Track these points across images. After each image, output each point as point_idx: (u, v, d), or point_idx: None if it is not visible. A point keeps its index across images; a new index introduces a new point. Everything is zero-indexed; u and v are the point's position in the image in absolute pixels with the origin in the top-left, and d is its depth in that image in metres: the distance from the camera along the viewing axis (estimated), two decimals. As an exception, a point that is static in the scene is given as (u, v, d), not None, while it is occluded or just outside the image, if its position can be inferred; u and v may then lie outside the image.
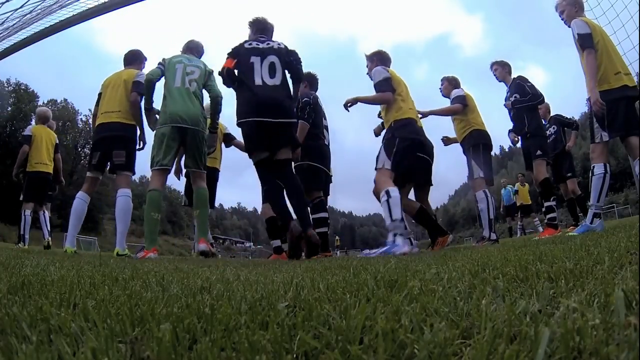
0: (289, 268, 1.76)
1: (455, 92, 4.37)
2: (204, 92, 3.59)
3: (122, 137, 3.60)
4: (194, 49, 3.68)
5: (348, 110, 3.70)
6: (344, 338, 0.44)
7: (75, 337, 0.48)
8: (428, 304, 0.59)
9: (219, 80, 3.40)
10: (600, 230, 2.88)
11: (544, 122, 5.61)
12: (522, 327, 0.43)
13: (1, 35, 5.61)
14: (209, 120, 3.67)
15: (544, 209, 4.29)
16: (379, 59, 3.85)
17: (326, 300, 0.67)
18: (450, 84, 4.53)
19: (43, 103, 38.33)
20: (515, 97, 4.23)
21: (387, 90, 3.49)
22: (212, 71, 3.57)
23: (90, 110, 39.29)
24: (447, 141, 4.52)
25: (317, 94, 4.28)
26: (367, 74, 3.87)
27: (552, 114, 5.92)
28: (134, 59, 3.94)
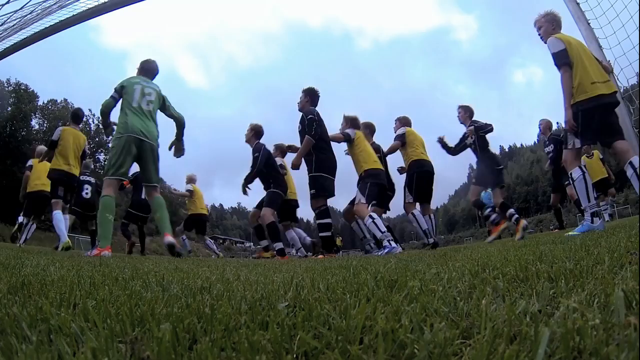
0: (289, 268, 1.76)
1: (398, 131, 5.18)
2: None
3: (74, 186, 5.20)
4: (149, 71, 3.91)
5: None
6: (344, 338, 0.44)
7: (75, 337, 0.48)
8: (428, 304, 0.59)
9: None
10: (601, 229, 2.89)
11: (545, 139, 6.51)
12: (522, 327, 0.43)
13: (1, 35, 5.61)
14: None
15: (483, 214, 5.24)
16: (351, 124, 4.93)
17: (326, 300, 0.67)
18: (400, 123, 5.34)
19: (43, 103, 38.29)
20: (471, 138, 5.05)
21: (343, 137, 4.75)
22: (166, 97, 3.83)
23: (90, 110, 39.19)
24: (401, 170, 5.30)
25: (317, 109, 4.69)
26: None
27: (552, 130, 6.46)
28: (79, 119, 5.44)
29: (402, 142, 5.08)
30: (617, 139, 2.94)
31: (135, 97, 3.56)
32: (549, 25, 3.33)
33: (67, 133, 4.99)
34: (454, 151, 5.27)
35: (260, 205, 5.21)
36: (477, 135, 5.00)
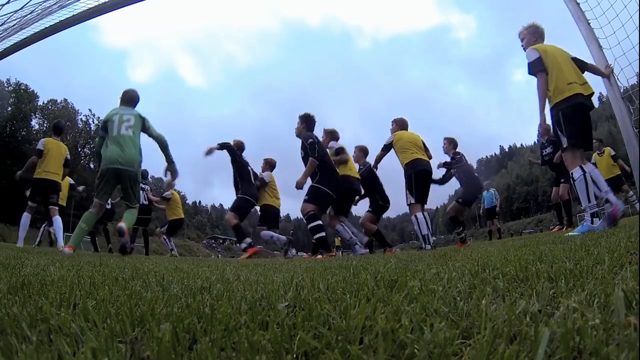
0: (289, 268, 1.76)
1: (386, 139, 5.23)
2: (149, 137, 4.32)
3: (57, 189, 5.66)
4: (129, 100, 4.25)
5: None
6: (344, 338, 0.44)
7: (75, 337, 0.48)
8: (428, 304, 0.59)
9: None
10: (602, 229, 2.89)
11: (543, 142, 6.76)
12: (522, 327, 0.43)
13: (1, 35, 5.61)
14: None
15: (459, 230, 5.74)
16: (331, 137, 5.36)
17: (326, 300, 0.67)
18: (397, 125, 5.39)
19: (43, 103, 38.33)
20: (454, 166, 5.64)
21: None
22: (146, 118, 4.13)
23: (90, 110, 39.17)
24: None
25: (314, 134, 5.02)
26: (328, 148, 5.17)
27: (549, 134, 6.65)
28: (60, 131, 5.94)
29: (386, 151, 5.25)
30: (586, 148, 3.13)
31: (114, 126, 3.94)
32: (530, 37, 3.47)
33: (50, 144, 5.62)
34: (441, 183, 5.70)
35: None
36: (457, 168, 5.53)
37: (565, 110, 3.09)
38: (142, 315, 0.57)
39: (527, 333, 0.40)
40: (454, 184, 5.95)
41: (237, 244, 6.64)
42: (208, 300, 0.73)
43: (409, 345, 0.41)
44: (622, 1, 3.11)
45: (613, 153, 7.16)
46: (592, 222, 3.05)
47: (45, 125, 37.03)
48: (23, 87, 36.03)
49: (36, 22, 5.49)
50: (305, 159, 4.77)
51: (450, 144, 5.82)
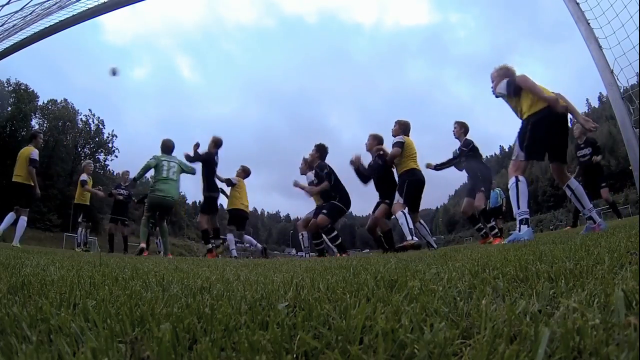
0: (289, 268, 1.76)
1: (398, 137, 5.17)
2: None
3: (24, 192, 6.14)
4: (169, 149, 5.95)
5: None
6: (344, 338, 0.44)
7: (75, 337, 0.48)
8: (428, 304, 0.59)
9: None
10: (531, 239, 2.86)
11: (579, 143, 6.81)
12: (522, 327, 0.43)
13: (1, 35, 5.61)
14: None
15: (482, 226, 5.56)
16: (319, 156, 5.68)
17: (326, 300, 0.67)
18: (400, 127, 5.28)
19: (43, 103, 38.33)
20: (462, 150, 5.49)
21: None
22: (183, 163, 5.97)
23: (89, 110, 39.38)
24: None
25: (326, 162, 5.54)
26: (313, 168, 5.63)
27: (586, 135, 6.79)
28: (32, 137, 6.47)
29: (402, 148, 5.13)
30: (561, 161, 3.24)
31: (164, 170, 5.67)
32: (499, 79, 3.59)
33: (20, 151, 6.29)
34: (441, 168, 5.62)
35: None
36: (468, 157, 5.37)
37: (536, 123, 3.18)
38: (142, 315, 0.57)
39: (527, 333, 0.40)
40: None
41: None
42: (208, 300, 0.73)
43: (409, 345, 0.41)
44: (622, 1, 3.11)
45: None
46: (519, 230, 3.04)
47: (45, 125, 37.02)
48: (23, 87, 36.00)
49: (36, 22, 5.49)
50: (318, 184, 5.34)
51: (462, 128, 5.58)
